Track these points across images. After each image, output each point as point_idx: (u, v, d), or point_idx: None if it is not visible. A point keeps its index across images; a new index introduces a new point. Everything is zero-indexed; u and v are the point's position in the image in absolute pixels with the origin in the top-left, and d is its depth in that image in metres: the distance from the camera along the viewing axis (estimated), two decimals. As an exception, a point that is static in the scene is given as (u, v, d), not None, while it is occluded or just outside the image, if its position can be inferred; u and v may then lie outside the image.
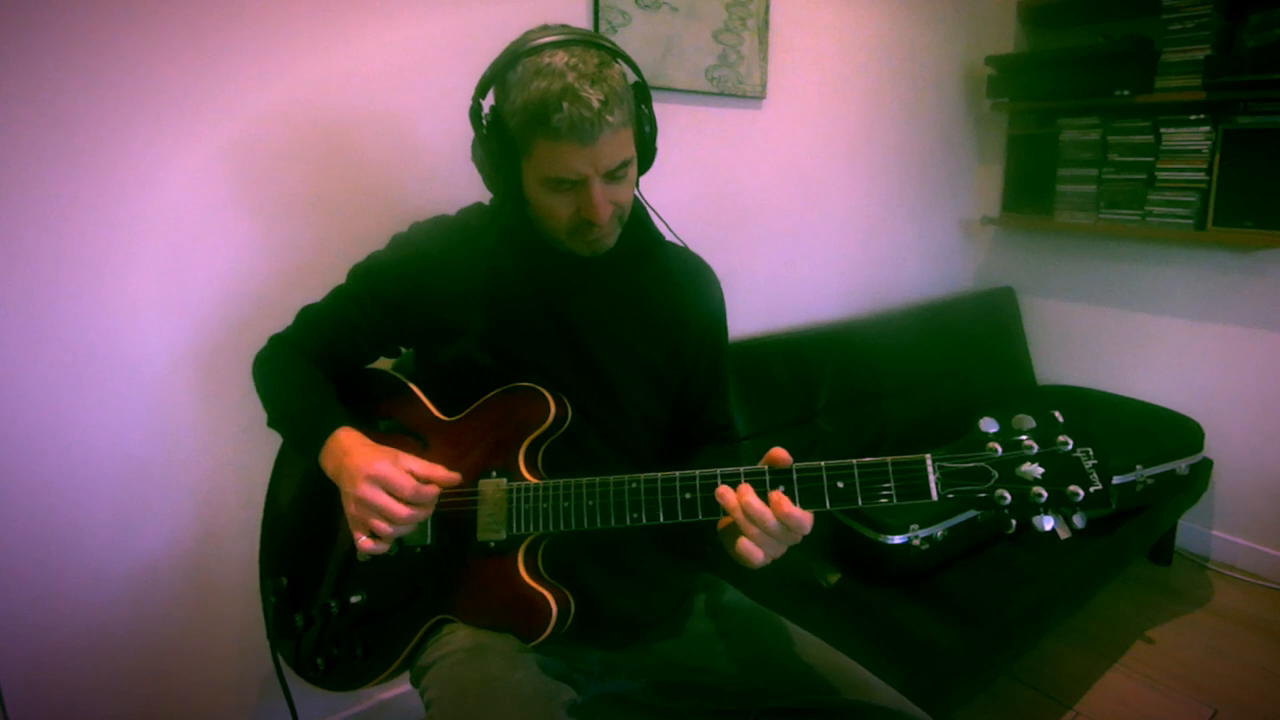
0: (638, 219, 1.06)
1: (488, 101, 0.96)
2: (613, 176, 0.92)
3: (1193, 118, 2.07)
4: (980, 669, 1.51)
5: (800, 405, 1.88)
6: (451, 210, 1.09)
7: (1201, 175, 2.08)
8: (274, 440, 1.10)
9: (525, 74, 0.88)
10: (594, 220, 0.92)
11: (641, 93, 0.96)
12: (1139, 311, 2.41)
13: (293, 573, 1.07)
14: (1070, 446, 0.79)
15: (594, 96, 0.85)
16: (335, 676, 1.04)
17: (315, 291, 1.10)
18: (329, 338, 1.06)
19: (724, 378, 1.16)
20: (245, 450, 1.30)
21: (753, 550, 0.84)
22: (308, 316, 1.09)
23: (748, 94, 1.88)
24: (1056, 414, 0.81)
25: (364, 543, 0.91)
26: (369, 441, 0.96)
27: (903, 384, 2.10)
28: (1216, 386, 2.26)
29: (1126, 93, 2.13)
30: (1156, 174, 2.17)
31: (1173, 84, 2.09)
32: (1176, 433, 2.06)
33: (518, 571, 0.94)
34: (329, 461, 0.96)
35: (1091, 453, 0.79)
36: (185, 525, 1.31)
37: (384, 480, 0.89)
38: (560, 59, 0.87)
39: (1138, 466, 1.83)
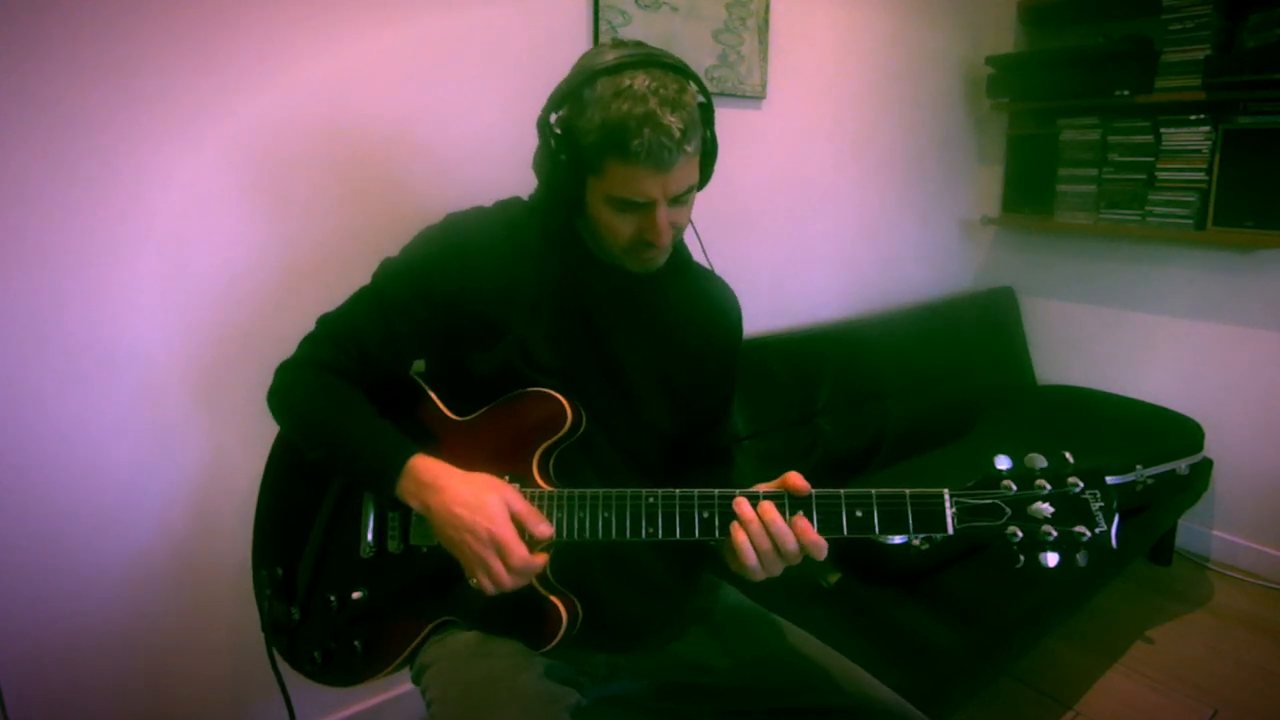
0: None
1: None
2: (677, 201, 0.93)
3: (1193, 118, 2.07)
4: (980, 669, 1.51)
5: (800, 405, 1.88)
6: (458, 207, 1.06)
7: (1201, 175, 2.08)
8: (269, 437, 1.10)
9: (605, 93, 0.87)
10: (655, 242, 0.93)
11: (706, 114, 0.95)
12: (1139, 311, 2.41)
13: (287, 564, 1.06)
14: (1080, 488, 0.83)
15: (675, 125, 0.86)
16: (333, 671, 1.04)
17: (317, 292, 1.09)
18: (366, 348, 0.99)
19: (731, 402, 1.17)
20: (242, 448, 1.30)
21: (754, 564, 0.85)
22: (333, 328, 1.01)
23: (748, 94, 1.88)
24: (1067, 455, 0.84)
25: (485, 582, 0.88)
26: (453, 469, 0.92)
27: (903, 384, 2.10)
28: (1216, 386, 2.26)
29: (1126, 93, 2.13)
30: (1156, 174, 2.17)
31: (1173, 84, 2.08)
32: (1176, 433, 2.06)
33: None
34: (411, 498, 0.92)
35: (1099, 495, 0.83)
36: (183, 526, 1.31)
37: (501, 545, 0.86)
38: (641, 82, 0.87)
39: (1138, 466, 1.81)
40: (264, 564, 1.08)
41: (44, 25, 1.07)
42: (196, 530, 1.32)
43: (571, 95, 0.92)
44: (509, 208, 1.05)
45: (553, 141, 0.93)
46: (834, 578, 1.54)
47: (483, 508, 0.87)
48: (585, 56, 0.93)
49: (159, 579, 1.30)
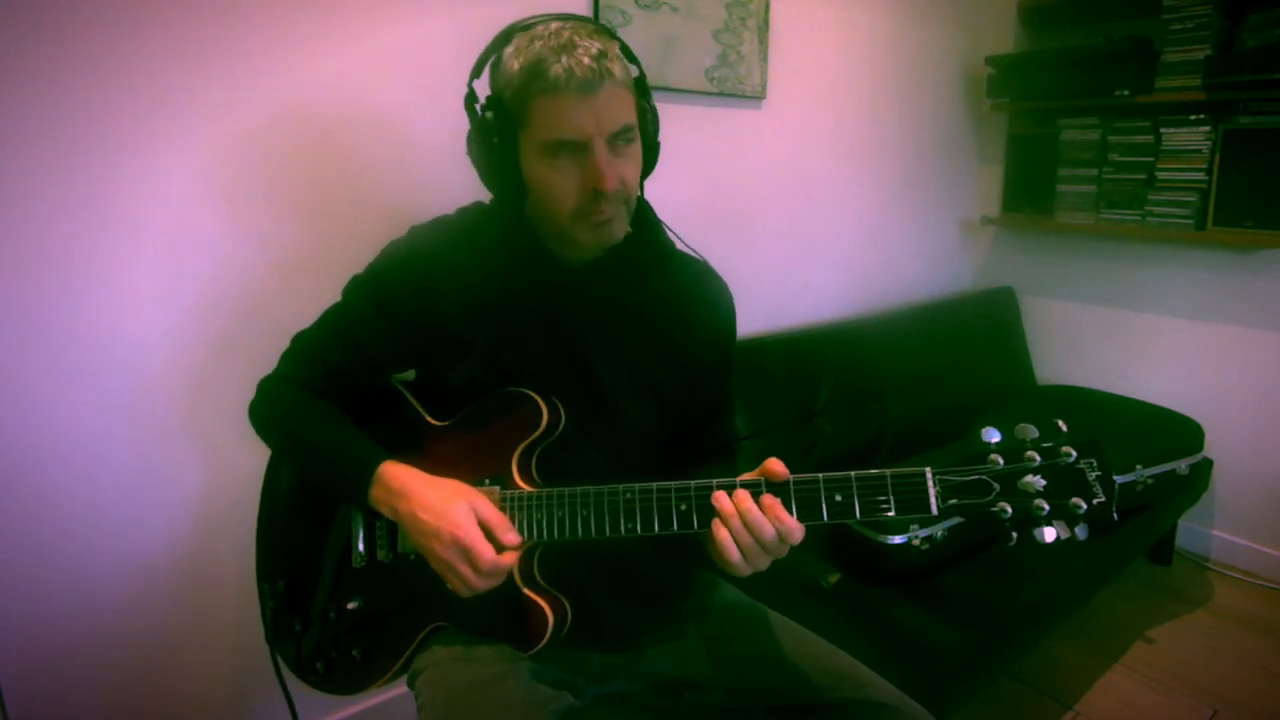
0: (647, 227, 1.02)
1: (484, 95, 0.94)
2: (616, 143, 0.88)
3: (1193, 118, 2.07)
4: (980, 669, 1.50)
5: (800, 405, 1.88)
6: (448, 210, 1.05)
7: (1201, 175, 2.08)
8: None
9: (521, 43, 0.87)
10: (600, 187, 0.87)
11: (640, 86, 0.93)
12: (1139, 311, 2.41)
13: (290, 576, 1.06)
14: (1074, 458, 0.78)
15: (594, 46, 0.85)
16: (335, 680, 1.04)
17: (312, 293, 1.09)
18: (336, 364, 0.99)
19: (730, 398, 1.13)
20: (241, 450, 1.29)
21: (738, 559, 0.83)
22: (304, 345, 1.03)
23: (748, 94, 1.88)
24: (1060, 423, 0.79)
25: (457, 585, 0.89)
26: (421, 475, 0.92)
27: (903, 384, 2.10)
28: (1216, 386, 2.26)
29: (1126, 93, 2.13)
30: (1156, 174, 2.16)
31: (1173, 84, 2.08)
32: (1176, 433, 2.06)
33: (513, 579, 0.92)
34: (382, 506, 0.92)
35: (1095, 464, 0.78)
36: (183, 525, 1.31)
37: (467, 549, 0.86)
38: (556, 26, 0.86)
39: (1138, 466, 1.83)
40: (266, 578, 1.08)
41: (40, 28, 1.07)
42: (197, 530, 1.32)
43: (491, 55, 0.92)
44: (468, 213, 1.03)
45: (479, 114, 0.92)
46: (834, 578, 1.54)
47: (446, 513, 0.87)
48: (507, 26, 0.92)
49: (159, 579, 1.30)
